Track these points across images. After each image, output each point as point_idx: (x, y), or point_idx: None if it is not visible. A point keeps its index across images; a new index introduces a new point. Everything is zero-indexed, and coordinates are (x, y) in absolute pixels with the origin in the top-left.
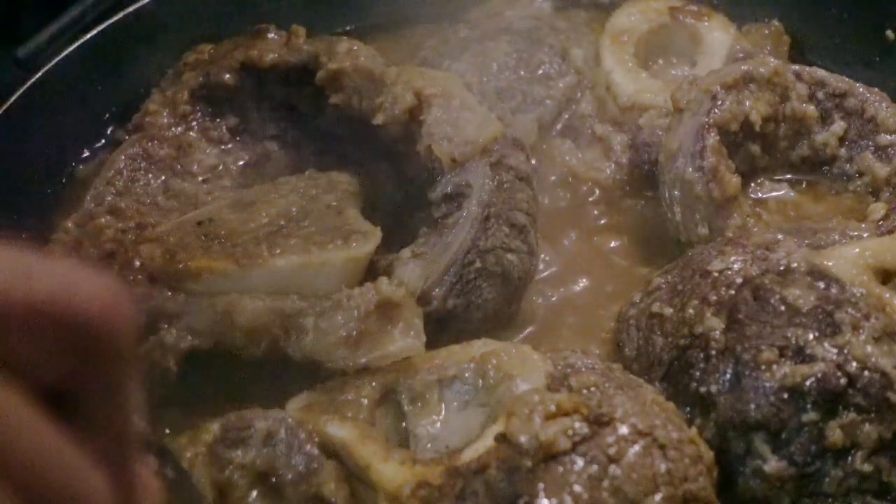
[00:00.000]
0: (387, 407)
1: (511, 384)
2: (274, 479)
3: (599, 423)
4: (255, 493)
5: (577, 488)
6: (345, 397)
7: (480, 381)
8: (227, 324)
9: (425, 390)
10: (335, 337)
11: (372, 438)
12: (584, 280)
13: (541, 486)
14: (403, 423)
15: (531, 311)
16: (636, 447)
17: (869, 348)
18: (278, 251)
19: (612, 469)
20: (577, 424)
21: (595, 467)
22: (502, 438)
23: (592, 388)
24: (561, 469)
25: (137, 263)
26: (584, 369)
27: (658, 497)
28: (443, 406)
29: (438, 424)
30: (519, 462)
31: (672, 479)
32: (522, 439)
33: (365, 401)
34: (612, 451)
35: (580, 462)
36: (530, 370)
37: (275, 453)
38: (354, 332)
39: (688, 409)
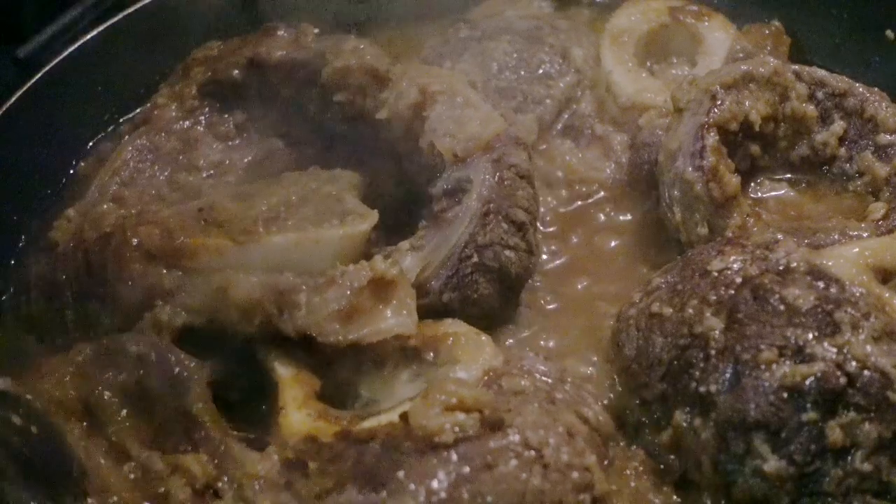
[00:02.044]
0: (345, 361)
1: (450, 369)
2: (142, 401)
3: (493, 427)
4: (124, 412)
5: (437, 484)
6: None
7: (434, 359)
8: (221, 300)
9: (387, 357)
10: (327, 311)
11: (302, 384)
12: (585, 279)
13: (402, 472)
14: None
15: (531, 309)
16: (516, 460)
17: (869, 347)
18: (274, 229)
19: (483, 474)
20: (469, 422)
21: (466, 468)
22: (404, 417)
23: (518, 394)
24: (434, 461)
25: (134, 242)
26: (527, 373)
27: None
28: (395, 373)
29: (384, 390)
30: (401, 443)
31: (542, 499)
32: (414, 423)
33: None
34: (490, 457)
35: (454, 458)
36: (474, 360)
37: (145, 375)
38: (346, 307)
39: (688, 408)
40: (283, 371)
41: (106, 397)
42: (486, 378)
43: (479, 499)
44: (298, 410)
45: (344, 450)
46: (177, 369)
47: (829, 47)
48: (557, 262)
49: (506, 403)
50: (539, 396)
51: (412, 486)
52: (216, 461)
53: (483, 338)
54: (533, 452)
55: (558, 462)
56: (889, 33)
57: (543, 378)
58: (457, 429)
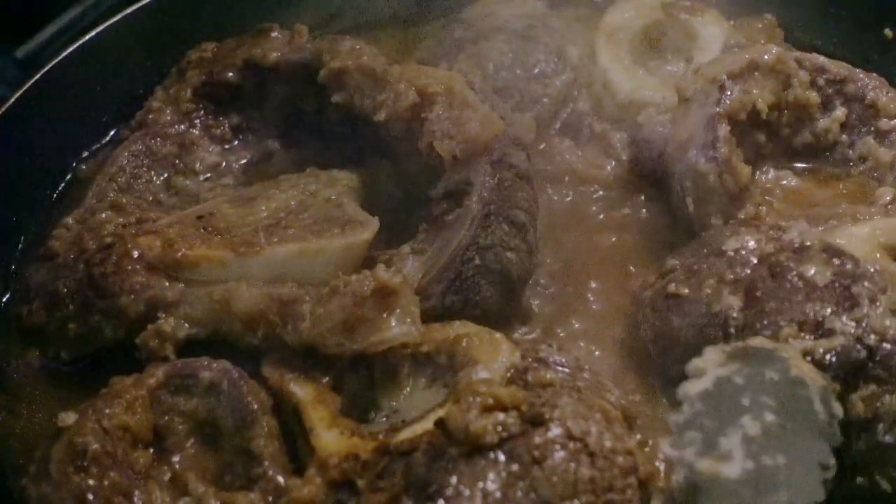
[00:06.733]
0: (359, 372)
1: (472, 370)
2: (210, 430)
3: (534, 422)
4: (192, 441)
5: (491, 485)
6: (317, 357)
7: (449, 362)
8: (224, 312)
9: (398, 363)
10: (331, 323)
11: (326, 403)
12: (585, 277)
13: (454, 477)
14: (372, 391)
15: (532, 308)
16: (562, 452)
17: (887, 321)
18: (276, 240)
19: (534, 470)
20: (510, 420)
21: (516, 466)
22: (440, 423)
23: (546, 387)
24: (482, 463)
25: (136, 254)
26: (549, 366)
27: (575, 503)
28: (410, 381)
29: (402, 398)
30: (445, 450)
31: (594, 487)
32: (453, 428)
33: (336, 363)
34: (537, 452)
35: (502, 458)
36: (494, 358)
37: (216, 404)
38: (350, 318)
39: None
40: (302, 393)
41: (176, 423)
42: (509, 374)
43: (532, 494)
44: (329, 430)
45: (389, 464)
46: (247, 399)
47: (829, 46)
48: (557, 260)
49: (538, 397)
50: (566, 386)
51: (467, 491)
52: (270, 500)
53: (497, 335)
54: (578, 443)
55: (603, 449)
56: (888, 32)
57: (562, 368)
58: (500, 428)
